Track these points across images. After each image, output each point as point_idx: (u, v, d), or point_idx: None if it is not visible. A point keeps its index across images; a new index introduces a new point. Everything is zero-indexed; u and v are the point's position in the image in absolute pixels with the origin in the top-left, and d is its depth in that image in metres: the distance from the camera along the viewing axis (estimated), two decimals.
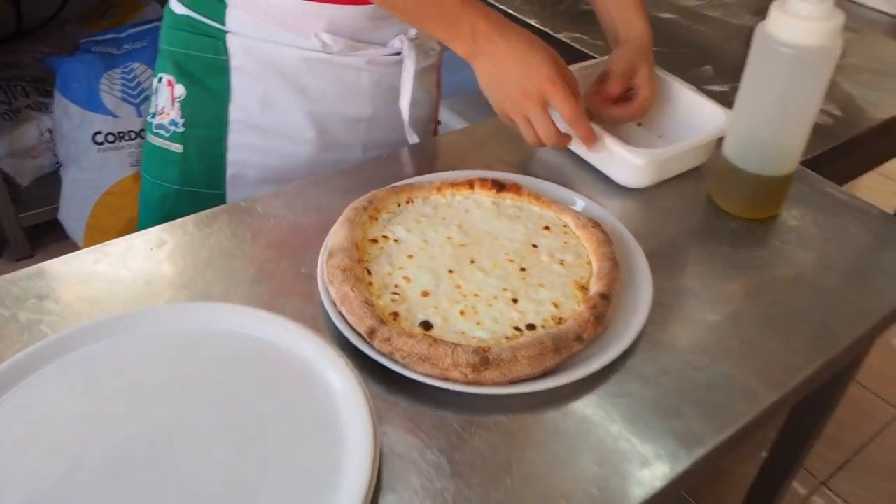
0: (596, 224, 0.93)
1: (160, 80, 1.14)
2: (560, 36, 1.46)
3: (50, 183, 2.39)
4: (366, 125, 1.17)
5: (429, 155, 1.13)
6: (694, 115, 1.12)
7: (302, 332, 0.78)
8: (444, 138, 1.16)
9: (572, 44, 1.44)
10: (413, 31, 1.13)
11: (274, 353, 0.77)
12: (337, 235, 0.88)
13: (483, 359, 0.75)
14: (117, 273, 0.90)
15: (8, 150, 2.31)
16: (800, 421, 1.21)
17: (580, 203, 1.00)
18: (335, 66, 1.10)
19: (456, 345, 0.77)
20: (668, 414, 0.77)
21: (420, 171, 1.04)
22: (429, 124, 1.30)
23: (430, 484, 0.70)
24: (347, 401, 0.72)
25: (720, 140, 1.05)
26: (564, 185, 1.04)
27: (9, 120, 2.32)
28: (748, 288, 0.93)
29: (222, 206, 1.00)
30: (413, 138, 1.20)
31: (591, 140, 1.00)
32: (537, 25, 1.50)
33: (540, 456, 0.73)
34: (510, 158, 1.12)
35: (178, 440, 0.69)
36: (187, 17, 1.10)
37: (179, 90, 1.12)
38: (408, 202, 0.97)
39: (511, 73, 0.93)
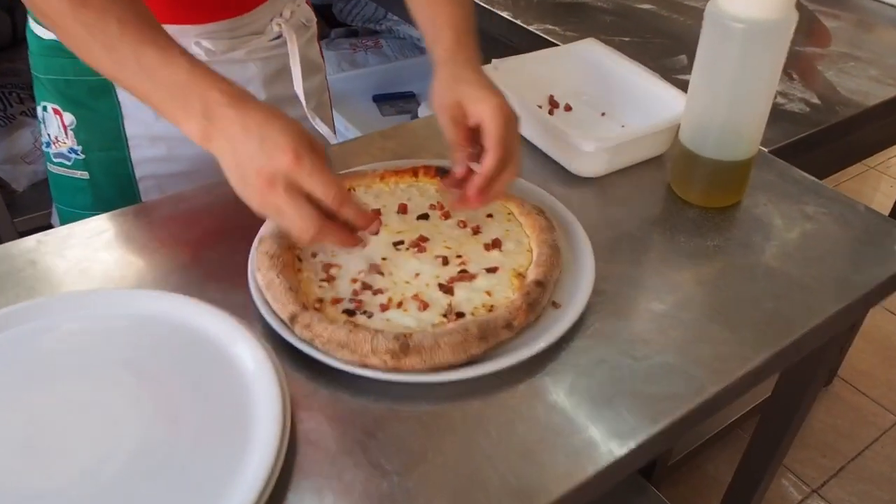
0: (540, 211, 0.90)
1: (45, 108, 1.08)
2: (532, 28, 1.44)
3: (45, 188, 2.39)
4: None
5: (382, 144, 1.11)
6: (657, 103, 1.08)
7: (221, 316, 0.76)
8: (405, 128, 1.14)
9: (545, 35, 1.41)
10: (287, 11, 1.10)
11: (191, 336, 0.75)
12: (270, 222, 0.86)
13: (403, 345, 0.72)
14: (53, 261, 0.88)
15: (3, 156, 2.33)
16: (770, 422, 1.16)
17: (529, 191, 0.97)
18: (220, 64, 1.05)
19: (376, 331, 0.74)
20: (600, 405, 0.74)
21: (365, 162, 1.02)
22: (322, 94, 1.26)
23: (344, 472, 0.67)
24: (260, 383, 0.70)
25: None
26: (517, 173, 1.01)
27: (4, 126, 2.34)
28: (699, 276, 0.89)
29: (163, 196, 0.98)
30: (322, 127, 1.18)
31: (365, 224, 0.76)
32: (509, 17, 1.48)
33: (459, 445, 0.70)
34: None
35: (91, 415, 0.69)
36: (56, 42, 1.01)
37: (69, 118, 1.06)
38: (349, 190, 0.94)
39: (246, 153, 0.70)
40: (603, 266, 0.86)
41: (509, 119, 0.84)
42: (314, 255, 0.85)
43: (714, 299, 0.86)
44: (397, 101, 2.43)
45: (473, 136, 0.85)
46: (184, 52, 0.74)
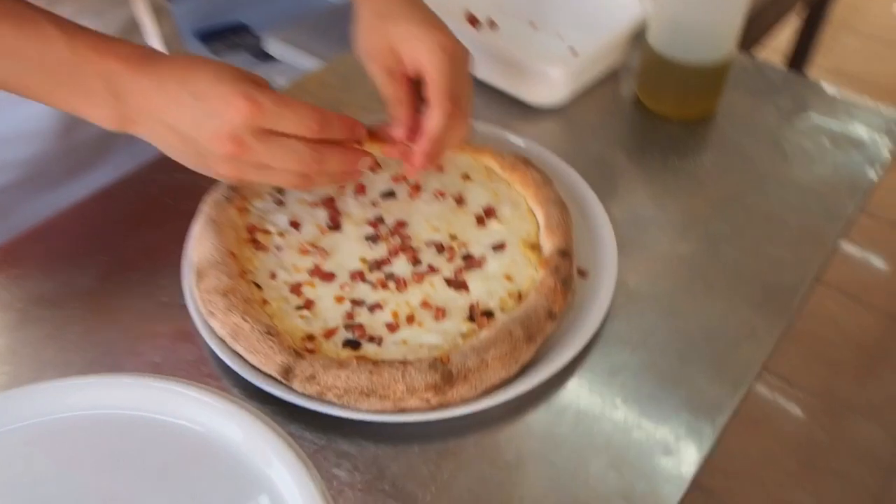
0: (526, 161, 0.75)
1: None
2: None
3: None
4: None
5: None
6: (605, 13, 0.93)
7: (211, 400, 0.56)
8: (301, 84, 0.93)
9: None
10: None
11: (176, 439, 0.55)
12: (201, 245, 0.65)
13: (445, 374, 0.56)
14: None
15: None
16: None
17: (496, 136, 0.81)
18: None
19: (404, 363, 0.57)
20: (673, 381, 0.62)
21: None
22: (179, 44, 1.02)
23: None
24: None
25: (639, 37, 0.88)
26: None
27: None
28: (714, 201, 0.78)
29: (18, 235, 0.72)
30: None
31: (355, 131, 0.64)
32: None
33: (542, 475, 0.56)
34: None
35: None
36: None
37: None
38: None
39: (186, 122, 0.57)
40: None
41: (455, 59, 0.66)
42: (273, 275, 0.65)
43: (738, 225, 0.76)
44: (227, 36, 2.10)
45: (415, 86, 0.68)
46: (52, 18, 0.56)
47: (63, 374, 0.59)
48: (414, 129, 0.67)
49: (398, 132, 0.67)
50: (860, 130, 0.86)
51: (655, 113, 0.88)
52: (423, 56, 0.65)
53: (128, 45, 0.58)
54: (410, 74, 0.68)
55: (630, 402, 0.61)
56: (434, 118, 0.65)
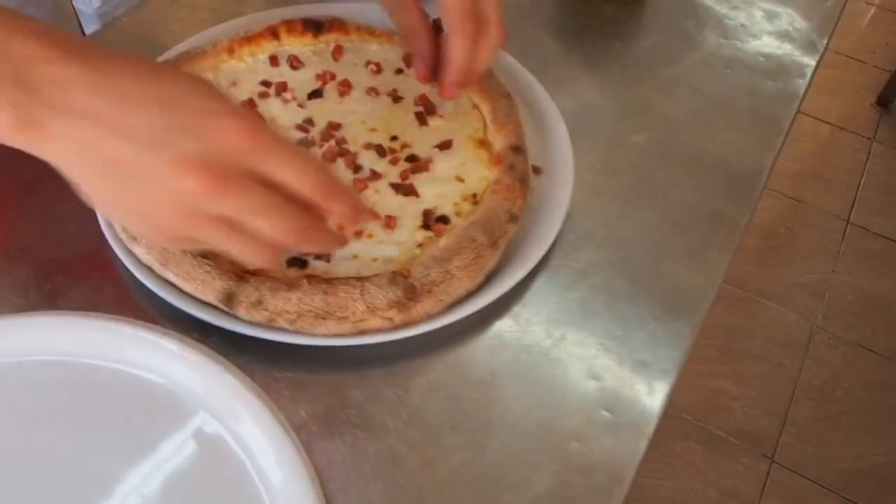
0: None
1: None
2: None
3: None
4: None
5: (186, 4, 0.78)
6: None
7: (148, 336, 0.48)
8: None
9: None
10: None
11: (114, 386, 0.48)
12: None
13: (408, 289, 0.51)
14: None
15: None
16: None
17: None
18: None
19: (360, 280, 0.51)
20: (644, 279, 0.59)
21: (183, 36, 0.71)
22: None
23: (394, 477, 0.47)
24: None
25: None
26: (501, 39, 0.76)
27: None
28: (662, 86, 0.74)
29: None
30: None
31: (360, 215, 0.45)
32: None
33: (519, 390, 0.52)
34: None
35: None
36: None
37: None
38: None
39: (141, 132, 0.38)
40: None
41: None
42: None
43: (693, 106, 0.72)
44: None
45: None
46: None
47: None
48: (435, 57, 0.59)
49: (419, 70, 0.60)
50: (797, 5, 0.83)
51: None
52: None
53: (59, 30, 0.39)
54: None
55: (603, 304, 0.57)
56: (455, 47, 0.56)
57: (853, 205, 1.94)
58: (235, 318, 0.51)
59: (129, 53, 0.40)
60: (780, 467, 1.49)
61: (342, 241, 0.50)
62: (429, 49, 0.60)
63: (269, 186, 0.40)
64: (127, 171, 0.38)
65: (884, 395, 1.62)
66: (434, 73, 0.60)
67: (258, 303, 0.50)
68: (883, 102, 2.18)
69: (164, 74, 0.40)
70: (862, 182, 2.00)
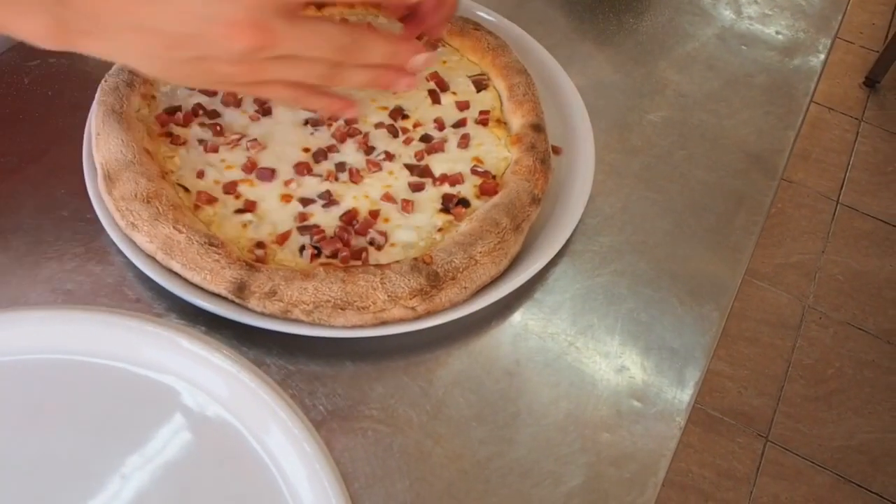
0: (477, 25, 0.65)
1: None
2: None
3: None
4: None
5: None
6: None
7: (151, 328, 0.45)
8: None
9: None
10: None
11: (113, 383, 0.45)
12: (106, 143, 0.52)
13: (431, 276, 0.48)
14: None
15: None
16: None
17: None
18: None
19: (380, 267, 0.49)
20: (669, 262, 0.57)
21: None
22: None
23: (415, 469, 0.45)
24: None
25: None
26: None
27: None
28: (678, 62, 0.71)
29: None
30: None
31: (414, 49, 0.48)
32: None
33: (545, 380, 0.50)
34: None
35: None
36: None
37: None
38: None
39: (184, 12, 0.40)
40: None
41: None
42: (201, 174, 0.54)
43: (708, 85, 0.70)
44: None
45: None
46: None
47: None
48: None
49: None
50: None
51: None
52: None
53: None
54: None
55: (627, 290, 0.55)
56: None
57: (842, 185, 1.94)
58: (247, 309, 0.48)
59: None
60: (775, 446, 1.49)
61: (401, 77, 0.48)
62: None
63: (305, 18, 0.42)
64: (184, 52, 0.41)
65: (874, 374, 1.62)
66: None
67: (272, 293, 0.47)
68: (870, 83, 2.18)
69: None
70: (850, 162, 1.99)
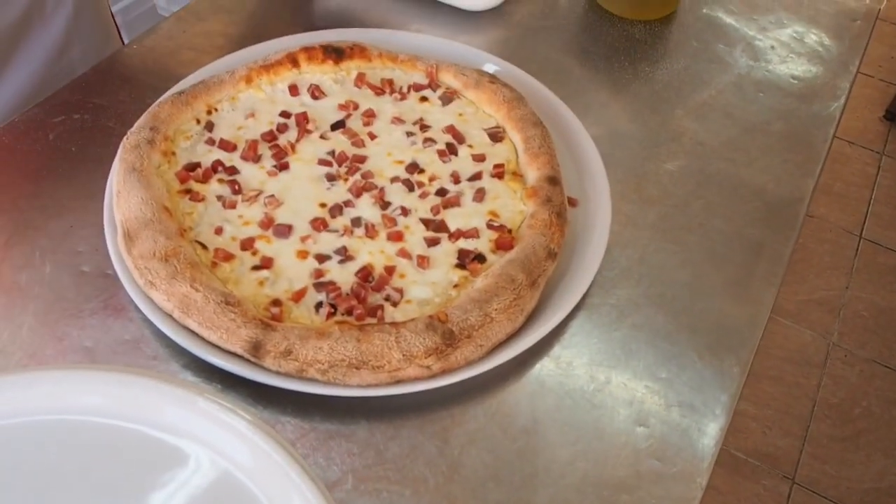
0: (492, 78, 0.65)
1: None
2: None
3: None
4: None
5: (204, 27, 0.76)
6: None
7: (169, 389, 0.45)
8: (211, 2, 0.79)
9: None
10: None
11: (130, 447, 0.45)
12: (126, 201, 0.53)
13: (446, 335, 0.48)
14: None
15: None
16: None
17: (442, 49, 0.70)
18: None
19: (395, 325, 0.49)
20: (688, 316, 0.56)
21: (198, 64, 0.69)
22: None
23: None
24: None
25: None
26: (403, 27, 0.74)
27: None
28: (694, 110, 0.71)
29: None
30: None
31: None
32: None
33: (563, 439, 0.49)
34: (316, 8, 0.79)
35: None
36: None
37: None
38: (210, 113, 0.62)
39: None
40: None
41: None
42: (219, 231, 0.54)
43: (724, 132, 0.69)
44: None
45: None
46: None
47: None
48: None
49: None
50: (826, 25, 0.81)
51: (611, 13, 0.80)
52: None
53: None
54: None
55: (645, 344, 0.54)
56: None
57: (865, 219, 1.92)
58: (263, 368, 0.48)
59: None
60: (802, 488, 1.46)
61: None
62: None
63: None
64: None
65: None
66: None
67: (287, 352, 0.47)
68: (891, 116, 2.16)
69: None
70: (873, 196, 1.97)
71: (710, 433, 0.50)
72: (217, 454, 0.43)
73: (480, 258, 0.54)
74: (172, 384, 0.44)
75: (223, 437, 0.43)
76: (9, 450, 0.44)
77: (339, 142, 0.61)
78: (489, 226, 0.56)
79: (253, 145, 0.59)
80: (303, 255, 0.54)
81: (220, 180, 0.57)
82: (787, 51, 0.78)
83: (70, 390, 0.45)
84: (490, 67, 0.68)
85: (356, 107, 0.63)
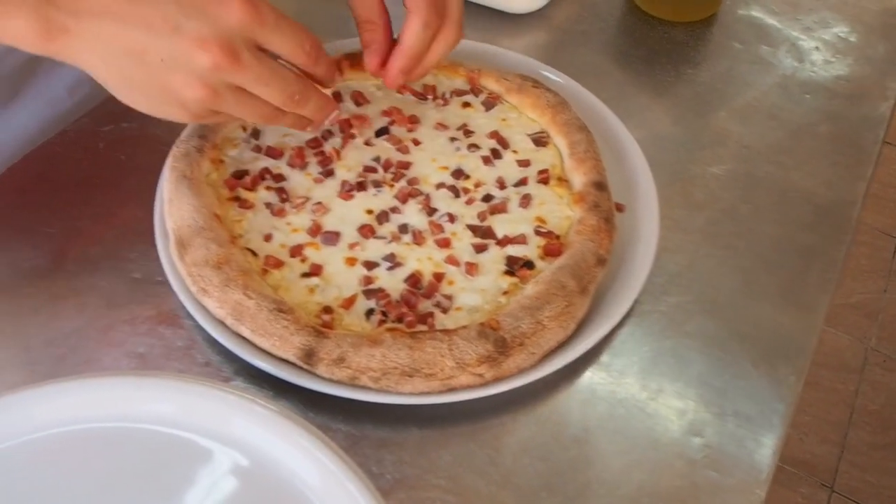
0: (536, 82, 0.65)
1: None
2: None
3: None
4: None
5: None
6: None
7: (222, 395, 0.45)
8: None
9: None
10: None
11: (187, 457, 0.45)
12: (177, 208, 0.53)
13: (498, 342, 0.48)
14: None
15: None
16: None
17: (482, 54, 0.70)
18: None
19: (447, 332, 0.48)
20: (741, 323, 0.55)
21: None
22: None
23: None
24: None
25: None
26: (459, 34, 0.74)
27: None
28: (739, 113, 0.70)
29: None
30: None
31: (332, 76, 0.55)
32: None
33: (616, 448, 0.49)
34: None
35: None
36: None
37: None
38: None
39: (156, 17, 0.44)
40: None
41: None
42: (268, 238, 0.55)
43: (771, 134, 0.68)
44: None
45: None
46: None
47: (28, 378, 0.48)
48: (389, 51, 0.57)
49: (372, 61, 0.58)
50: (871, 24, 0.80)
51: (652, 15, 0.79)
52: None
53: None
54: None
55: (697, 353, 0.54)
56: (411, 30, 0.55)
57: None
58: (314, 375, 0.48)
59: None
60: (841, 496, 1.43)
61: (318, 124, 0.55)
62: (384, 41, 0.57)
63: (269, 57, 0.47)
64: (149, 57, 0.44)
65: None
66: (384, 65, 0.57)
67: (340, 360, 0.47)
68: None
69: None
70: None
71: (767, 444, 0.49)
72: (264, 456, 0.43)
73: (529, 265, 0.54)
74: (221, 390, 0.44)
75: (272, 441, 0.43)
76: (74, 455, 0.44)
77: (384, 148, 0.61)
78: (537, 232, 0.56)
79: (299, 152, 0.59)
80: (351, 262, 0.54)
81: (268, 187, 0.57)
82: (833, 51, 0.77)
83: (135, 397, 0.45)
84: (533, 73, 0.68)
85: (399, 112, 0.63)
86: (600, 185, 0.58)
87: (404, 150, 0.61)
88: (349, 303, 0.51)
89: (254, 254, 0.53)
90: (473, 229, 0.56)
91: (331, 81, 0.55)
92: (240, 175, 0.57)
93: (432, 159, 0.61)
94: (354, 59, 0.65)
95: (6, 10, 0.43)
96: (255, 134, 0.61)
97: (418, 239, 0.55)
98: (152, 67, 0.45)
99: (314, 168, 0.59)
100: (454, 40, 0.57)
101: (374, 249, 0.55)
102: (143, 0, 0.43)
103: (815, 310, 0.57)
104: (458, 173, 0.60)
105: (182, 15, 0.43)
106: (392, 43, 0.57)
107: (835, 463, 1.47)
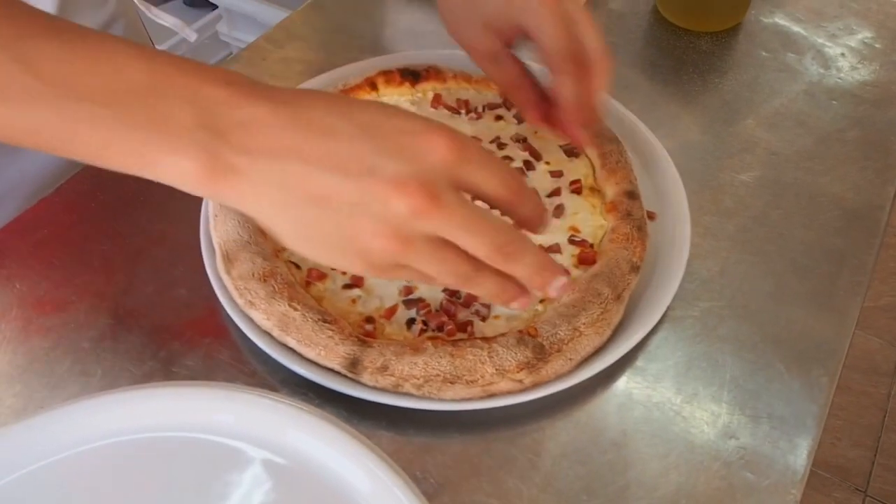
0: None
1: None
2: None
3: None
4: None
5: (281, 54, 0.79)
6: None
7: (271, 403, 0.47)
8: (286, 25, 0.82)
9: None
10: None
11: (239, 466, 0.47)
12: (223, 224, 0.55)
13: (537, 349, 0.49)
14: None
15: None
16: None
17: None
18: None
19: (486, 340, 0.50)
20: (773, 327, 0.56)
21: (291, 80, 0.71)
22: None
23: None
24: None
25: None
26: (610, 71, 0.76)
27: None
28: (767, 121, 0.71)
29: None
30: (169, 19, 0.81)
31: (542, 217, 0.45)
32: None
33: (653, 451, 0.50)
34: (389, 30, 0.81)
35: None
36: None
37: None
38: None
39: (350, 159, 0.37)
40: None
41: (561, 10, 0.54)
42: None
43: (799, 142, 0.69)
44: None
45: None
46: (115, 38, 0.38)
47: (83, 390, 0.50)
48: (543, 105, 0.59)
49: (533, 116, 0.59)
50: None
51: (678, 26, 0.80)
52: (527, 22, 0.55)
53: (224, 70, 0.39)
54: (513, 44, 0.58)
55: (730, 356, 0.55)
56: (565, 88, 0.55)
57: None
58: (359, 383, 0.50)
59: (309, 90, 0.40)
60: (875, 500, 1.43)
61: (556, 268, 0.44)
62: (535, 97, 0.59)
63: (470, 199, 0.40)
64: (334, 203, 0.38)
65: None
66: (546, 116, 0.59)
67: (384, 368, 0.48)
68: None
69: (353, 103, 0.40)
70: None
71: (802, 445, 0.50)
72: (317, 465, 0.45)
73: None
74: (291, 405, 0.46)
75: (323, 450, 0.45)
76: (124, 468, 0.46)
77: None
78: (571, 241, 0.57)
79: None
80: None
81: None
82: (859, 57, 0.78)
83: (193, 408, 0.47)
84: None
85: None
86: (632, 194, 0.59)
87: None
88: (390, 313, 0.53)
89: (297, 266, 0.55)
90: None
91: (541, 227, 0.45)
92: None
93: None
94: (389, 76, 0.67)
95: (170, 146, 0.37)
96: None
97: None
98: (339, 215, 0.38)
99: None
100: (606, 72, 0.55)
101: None
102: (335, 137, 0.37)
103: (845, 313, 0.57)
104: None
105: (377, 154, 0.37)
106: (541, 93, 0.59)
107: (868, 467, 1.47)
